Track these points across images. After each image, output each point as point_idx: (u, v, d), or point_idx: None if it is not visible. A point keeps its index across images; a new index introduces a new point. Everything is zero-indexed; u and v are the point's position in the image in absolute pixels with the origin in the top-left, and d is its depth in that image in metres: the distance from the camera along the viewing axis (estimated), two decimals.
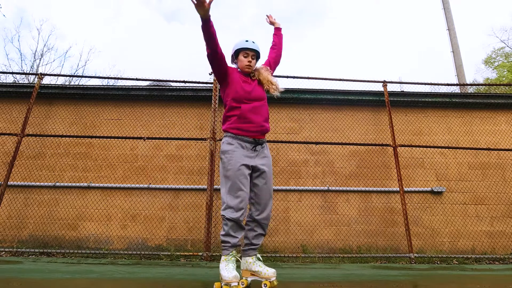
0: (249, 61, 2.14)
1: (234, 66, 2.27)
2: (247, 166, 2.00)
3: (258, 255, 2.03)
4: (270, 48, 2.43)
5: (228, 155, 2.00)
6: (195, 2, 1.78)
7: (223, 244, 1.92)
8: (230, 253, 1.89)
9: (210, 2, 1.80)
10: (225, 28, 58.70)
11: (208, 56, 2.01)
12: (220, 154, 2.08)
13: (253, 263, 1.97)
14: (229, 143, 2.03)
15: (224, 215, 1.91)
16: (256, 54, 2.19)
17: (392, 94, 4.79)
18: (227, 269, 1.83)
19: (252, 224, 2.04)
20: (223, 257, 1.90)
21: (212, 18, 1.87)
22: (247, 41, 2.17)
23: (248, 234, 2.03)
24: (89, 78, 15.15)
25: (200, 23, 1.87)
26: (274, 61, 2.38)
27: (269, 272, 1.90)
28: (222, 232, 1.92)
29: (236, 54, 2.20)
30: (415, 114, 4.96)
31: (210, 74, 4.44)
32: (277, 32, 2.46)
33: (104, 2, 39.53)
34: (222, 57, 2.04)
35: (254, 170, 2.04)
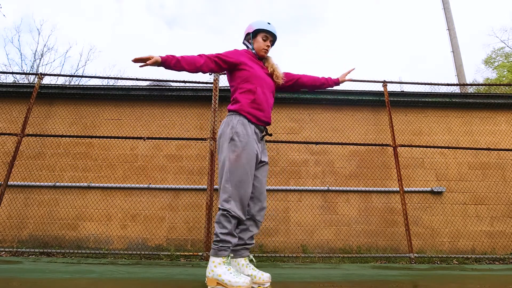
0: (267, 45, 2.00)
1: (246, 45, 2.07)
2: (257, 156, 1.81)
3: (251, 256, 1.83)
4: (309, 78, 2.13)
5: (243, 139, 1.73)
6: (136, 62, 1.62)
7: (221, 244, 1.61)
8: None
9: (142, 61, 1.62)
10: (225, 32, 58.71)
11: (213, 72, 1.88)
12: (233, 135, 1.74)
13: (247, 266, 1.75)
14: (243, 124, 1.78)
15: (228, 210, 1.63)
16: (274, 40, 2.04)
17: (392, 94, 4.79)
18: (233, 273, 1.57)
19: (248, 222, 1.80)
20: (220, 259, 1.59)
21: (167, 58, 1.65)
22: (269, 23, 1.98)
23: (244, 235, 1.78)
24: (89, 78, 15.11)
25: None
26: (296, 82, 2.10)
27: (264, 276, 1.70)
28: (222, 230, 1.61)
29: (254, 34, 2.00)
30: (415, 114, 4.96)
31: (210, 74, 4.44)
32: (330, 82, 2.17)
33: (105, 3, 39.55)
34: (223, 65, 1.86)
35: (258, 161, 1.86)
